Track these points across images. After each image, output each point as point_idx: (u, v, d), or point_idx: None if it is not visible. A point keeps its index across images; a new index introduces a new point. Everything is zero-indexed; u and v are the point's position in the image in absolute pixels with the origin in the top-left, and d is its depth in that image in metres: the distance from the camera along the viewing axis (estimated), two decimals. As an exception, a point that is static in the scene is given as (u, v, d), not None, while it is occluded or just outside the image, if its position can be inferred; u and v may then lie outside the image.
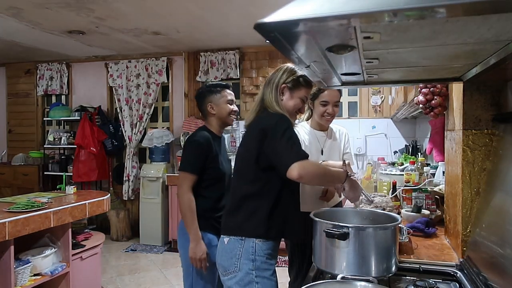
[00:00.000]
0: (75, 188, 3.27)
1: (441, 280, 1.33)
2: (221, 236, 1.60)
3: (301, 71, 1.63)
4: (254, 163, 1.52)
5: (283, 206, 1.55)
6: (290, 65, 1.67)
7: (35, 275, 2.54)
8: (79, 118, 5.27)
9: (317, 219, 1.31)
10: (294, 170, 1.38)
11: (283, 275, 3.59)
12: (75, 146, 5.17)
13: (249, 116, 1.66)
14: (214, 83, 2.11)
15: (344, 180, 1.56)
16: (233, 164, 1.77)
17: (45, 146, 5.57)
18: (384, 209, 1.87)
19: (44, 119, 5.77)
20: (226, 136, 4.77)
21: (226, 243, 1.55)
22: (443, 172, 2.10)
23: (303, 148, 1.50)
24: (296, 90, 1.64)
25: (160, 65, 5.21)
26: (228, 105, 2.04)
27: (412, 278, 1.34)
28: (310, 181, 1.58)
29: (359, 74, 1.19)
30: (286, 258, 3.87)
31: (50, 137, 5.50)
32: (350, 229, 1.22)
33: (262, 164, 1.52)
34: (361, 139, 4.60)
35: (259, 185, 1.53)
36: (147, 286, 3.65)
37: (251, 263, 1.49)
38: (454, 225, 1.58)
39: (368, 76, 1.24)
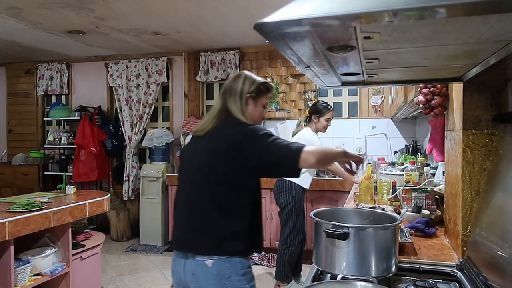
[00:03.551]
0: (75, 188, 3.27)
1: (441, 280, 1.33)
2: (195, 258, 1.46)
3: (260, 78, 1.62)
4: (229, 178, 1.45)
5: (255, 220, 1.53)
6: (247, 72, 1.62)
7: (35, 275, 2.54)
8: (79, 118, 5.27)
9: (317, 219, 1.31)
10: (309, 156, 1.35)
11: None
12: (75, 146, 5.17)
13: (204, 125, 1.57)
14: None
15: (344, 153, 1.49)
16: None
17: (45, 146, 5.57)
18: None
19: (44, 119, 5.78)
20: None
21: (210, 265, 1.44)
22: (443, 172, 2.10)
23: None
24: (259, 99, 1.61)
25: (160, 65, 5.21)
26: None
27: (412, 278, 1.34)
28: (322, 161, 1.46)
29: (359, 74, 1.19)
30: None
31: (50, 137, 5.50)
32: (350, 229, 1.22)
33: (240, 178, 1.45)
34: (361, 139, 4.60)
35: (234, 201, 1.47)
36: (147, 286, 3.65)
37: (243, 278, 1.46)
38: (454, 225, 1.58)
39: (368, 76, 1.24)
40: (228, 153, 1.44)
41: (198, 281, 1.45)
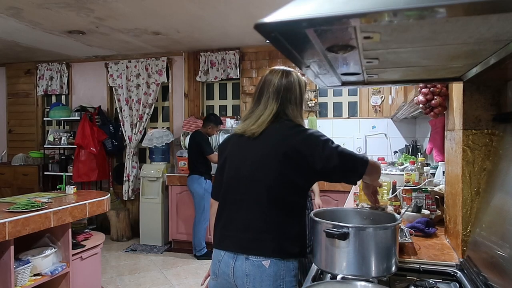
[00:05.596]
0: (75, 188, 3.27)
1: (441, 280, 1.33)
2: (250, 258, 1.41)
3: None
4: (289, 181, 1.43)
5: (305, 222, 1.53)
6: (299, 75, 1.59)
7: (35, 275, 2.54)
8: (79, 118, 5.27)
9: (317, 219, 1.31)
10: (373, 169, 1.41)
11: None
12: (75, 146, 5.17)
13: (255, 125, 1.50)
14: None
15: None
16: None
17: (45, 146, 5.57)
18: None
19: (44, 119, 5.78)
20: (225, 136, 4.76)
21: (267, 266, 1.40)
22: (443, 172, 2.10)
23: None
24: (304, 98, 1.63)
25: (160, 65, 5.21)
26: None
27: (412, 278, 1.34)
28: (375, 177, 1.51)
29: (359, 74, 1.19)
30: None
31: (50, 137, 5.50)
32: (350, 229, 1.22)
33: (298, 180, 1.44)
34: (361, 139, 4.60)
35: (293, 203, 1.46)
36: (147, 286, 3.65)
37: (294, 280, 1.45)
38: (454, 225, 1.58)
39: (368, 76, 1.24)
40: (290, 155, 1.42)
41: (253, 282, 1.40)
